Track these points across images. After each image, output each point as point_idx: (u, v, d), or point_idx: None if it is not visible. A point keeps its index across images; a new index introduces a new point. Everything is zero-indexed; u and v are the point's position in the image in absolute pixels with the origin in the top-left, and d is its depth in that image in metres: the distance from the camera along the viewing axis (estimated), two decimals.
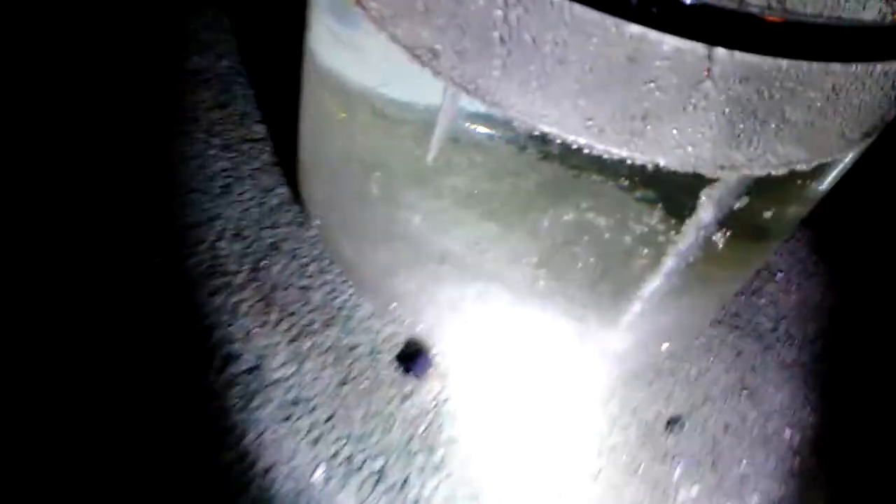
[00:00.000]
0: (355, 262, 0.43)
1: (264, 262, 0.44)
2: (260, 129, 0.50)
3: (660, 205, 0.32)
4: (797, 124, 0.29)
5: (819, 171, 0.32)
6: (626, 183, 0.31)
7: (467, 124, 0.32)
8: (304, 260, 0.45)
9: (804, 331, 0.51)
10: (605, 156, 0.29)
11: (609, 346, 0.43)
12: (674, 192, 0.32)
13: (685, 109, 0.27)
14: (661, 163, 0.29)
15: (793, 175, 0.31)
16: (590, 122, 0.29)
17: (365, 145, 0.38)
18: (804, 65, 0.26)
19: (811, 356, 0.50)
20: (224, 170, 0.47)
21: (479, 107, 0.30)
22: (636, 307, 0.40)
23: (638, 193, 0.32)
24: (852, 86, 0.27)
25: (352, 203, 0.41)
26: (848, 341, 0.51)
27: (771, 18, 0.23)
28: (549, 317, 0.40)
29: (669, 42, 0.25)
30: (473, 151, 0.33)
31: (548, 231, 0.35)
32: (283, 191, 0.47)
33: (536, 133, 0.30)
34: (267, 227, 0.45)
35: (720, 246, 0.34)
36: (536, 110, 0.29)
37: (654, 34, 0.24)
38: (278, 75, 0.53)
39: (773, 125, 0.28)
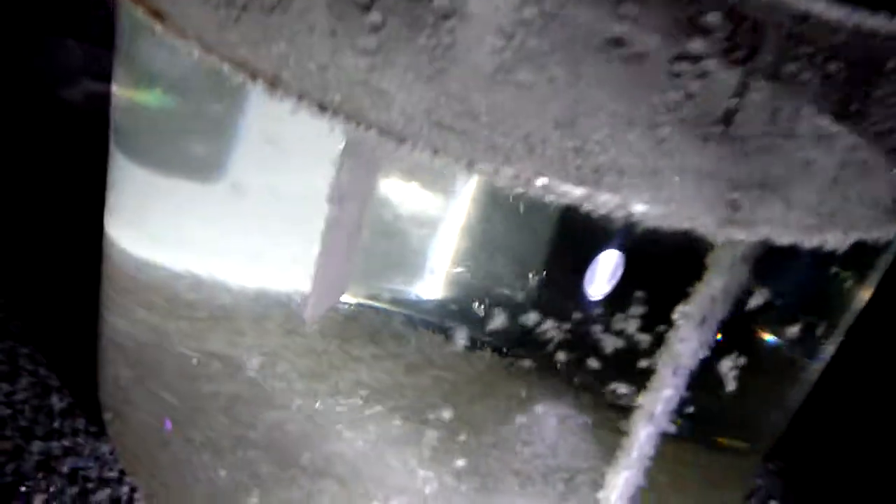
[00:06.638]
0: (174, 482, 0.28)
1: (23, 487, 0.28)
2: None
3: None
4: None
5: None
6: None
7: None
8: (91, 485, 0.29)
9: None
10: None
11: None
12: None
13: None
14: (639, 210, 0.19)
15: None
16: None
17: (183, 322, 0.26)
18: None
19: None
20: None
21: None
22: None
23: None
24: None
25: (169, 400, 0.27)
26: None
27: None
28: None
29: None
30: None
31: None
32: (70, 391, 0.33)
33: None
34: (38, 439, 0.30)
35: (729, 386, 0.23)
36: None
37: None
38: None
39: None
